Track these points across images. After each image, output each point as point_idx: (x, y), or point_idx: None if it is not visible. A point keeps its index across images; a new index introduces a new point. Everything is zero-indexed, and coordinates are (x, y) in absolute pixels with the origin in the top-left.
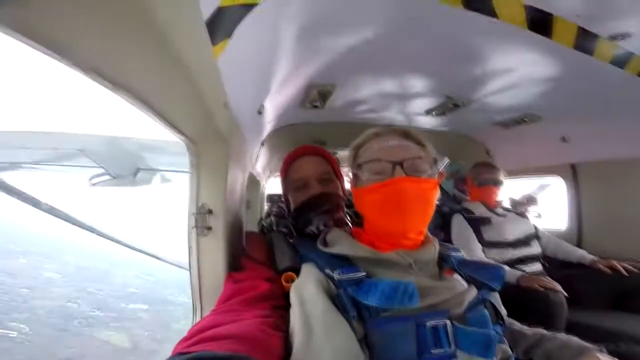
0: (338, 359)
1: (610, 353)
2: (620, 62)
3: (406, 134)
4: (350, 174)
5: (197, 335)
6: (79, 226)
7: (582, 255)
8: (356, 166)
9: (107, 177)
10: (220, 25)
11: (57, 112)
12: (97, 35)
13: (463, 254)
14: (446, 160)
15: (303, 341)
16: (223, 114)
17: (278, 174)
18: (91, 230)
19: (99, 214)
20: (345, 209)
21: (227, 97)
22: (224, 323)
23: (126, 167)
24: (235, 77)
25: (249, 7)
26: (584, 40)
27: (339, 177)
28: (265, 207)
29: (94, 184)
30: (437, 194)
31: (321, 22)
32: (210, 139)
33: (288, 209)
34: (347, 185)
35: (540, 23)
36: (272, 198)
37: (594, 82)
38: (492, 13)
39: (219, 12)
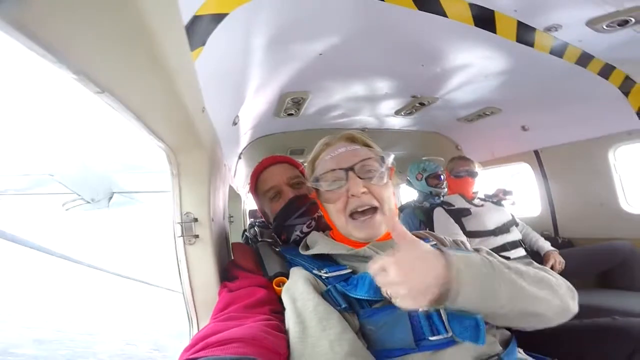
0: (335, 349)
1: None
2: (558, 52)
3: (352, 138)
4: (312, 189)
5: (202, 341)
6: (73, 261)
7: (542, 246)
8: (314, 180)
9: (81, 202)
10: (195, 34)
11: (26, 133)
12: (88, 39)
13: (434, 242)
14: (392, 155)
15: (299, 336)
16: (201, 120)
17: None
18: (82, 263)
19: (80, 242)
20: None
21: (204, 103)
22: (227, 329)
23: (100, 191)
24: (209, 87)
25: (220, 16)
26: (524, 33)
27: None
28: (248, 221)
29: (67, 210)
30: (392, 190)
31: (289, 30)
32: (190, 147)
33: (268, 222)
34: None
35: (484, 19)
36: (254, 214)
37: (542, 73)
38: (442, 13)
39: (195, 21)
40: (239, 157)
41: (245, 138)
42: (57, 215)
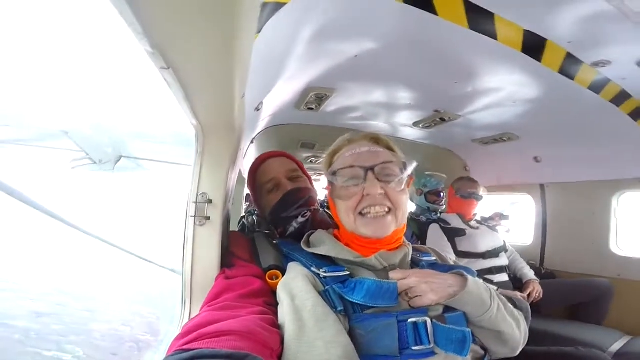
0: (330, 350)
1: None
2: (597, 87)
3: (376, 139)
4: (326, 181)
5: (195, 331)
6: (62, 221)
7: (526, 274)
8: (331, 173)
9: (88, 162)
10: (259, 20)
11: (42, 88)
12: (169, 13)
13: (435, 258)
14: (414, 163)
15: (295, 334)
16: (239, 105)
17: None
18: (76, 227)
19: (82, 206)
20: (323, 210)
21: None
22: (222, 319)
23: (109, 153)
24: (250, 72)
25: (280, 5)
26: (570, 65)
27: (307, 175)
28: (244, 206)
29: (74, 168)
30: (407, 197)
31: (334, 27)
32: (220, 129)
33: (263, 216)
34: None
35: (534, 47)
36: (249, 198)
37: (571, 106)
38: (492, 34)
39: (262, 7)
40: (252, 142)
41: (261, 124)
42: (62, 174)
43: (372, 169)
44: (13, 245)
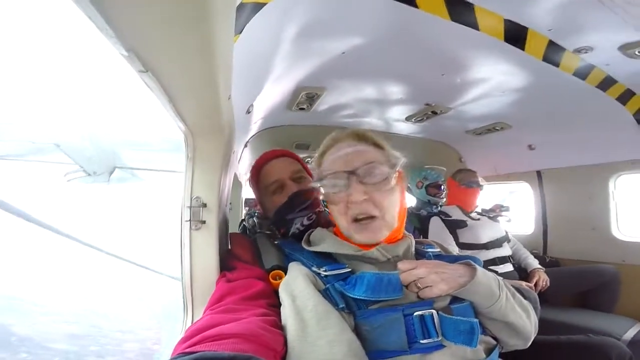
0: (334, 349)
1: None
2: (582, 73)
3: (361, 136)
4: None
5: (198, 334)
6: (61, 235)
7: (530, 263)
8: (318, 179)
9: (82, 174)
10: (237, 21)
11: (33, 101)
12: (144, 16)
13: (439, 249)
14: (403, 159)
15: (298, 335)
16: (225, 108)
17: None
18: (75, 239)
19: (77, 217)
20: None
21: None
22: (224, 322)
23: (103, 165)
24: (234, 75)
25: (260, 5)
26: (553, 52)
27: (310, 175)
28: (244, 209)
29: (68, 180)
30: (397, 195)
31: (320, 25)
32: (209, 132)
33: (266, 215)
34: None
35: (516, 36)
36: (248, 202)
37: (559, 93)
38: (474, 25)
39: (240, 7)
40: (245, 145)
41: (254, 127)
42: (62, 189)
43: (354, 172)
44: (40, 268)
